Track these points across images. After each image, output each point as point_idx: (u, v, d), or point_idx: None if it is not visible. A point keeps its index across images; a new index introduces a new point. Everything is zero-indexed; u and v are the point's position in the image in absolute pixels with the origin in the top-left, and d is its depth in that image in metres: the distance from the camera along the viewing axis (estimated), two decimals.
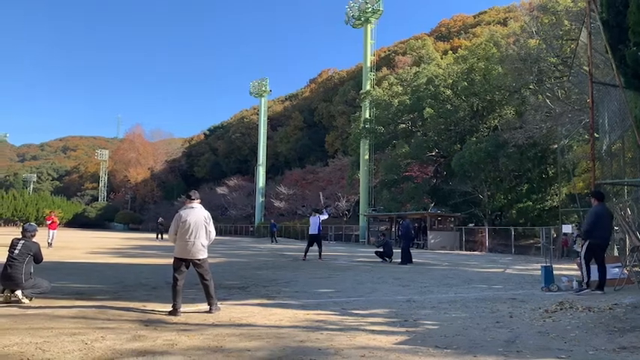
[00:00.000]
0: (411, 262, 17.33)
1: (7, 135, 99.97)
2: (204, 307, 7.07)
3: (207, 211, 7.35)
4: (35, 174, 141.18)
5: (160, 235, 36.53)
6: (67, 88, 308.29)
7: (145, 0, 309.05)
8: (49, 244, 21.79)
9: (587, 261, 9.08)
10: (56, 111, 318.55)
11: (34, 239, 7.95)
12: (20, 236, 7.90)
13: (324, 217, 19.47)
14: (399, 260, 17.44)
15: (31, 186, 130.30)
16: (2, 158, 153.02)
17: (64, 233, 46.66)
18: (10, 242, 7.83)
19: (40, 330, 5.59)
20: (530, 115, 27.14)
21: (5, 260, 7.60)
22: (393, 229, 37.25)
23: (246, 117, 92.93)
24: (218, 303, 7.15)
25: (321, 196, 24.49)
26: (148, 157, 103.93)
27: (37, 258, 7.81)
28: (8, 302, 7.34)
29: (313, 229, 18.57)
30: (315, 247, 18.78)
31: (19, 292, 7.37)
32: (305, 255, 18.29)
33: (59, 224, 24.57)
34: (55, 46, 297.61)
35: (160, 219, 41.48)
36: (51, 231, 23.08)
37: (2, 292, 7.49)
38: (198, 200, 7.32)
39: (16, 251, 7.56)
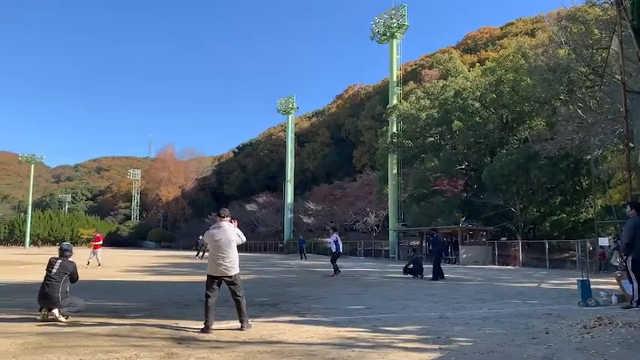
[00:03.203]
0: (442, 277, 17.10)
1: (44, 157, 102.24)
2: (236, 324, 7.10)
3: (237, 229, 7.45)
4: (70, 194, 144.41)
5: (201, 253, 35.59)
6: (100, 110, 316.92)
7: (172, 22, 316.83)
8: (99, 264, 22.46)
9: (638, 276, 8.72)
10: (90, 132, 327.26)
11: (70, 259, 8.14)
12: (57, 256, 8.11)
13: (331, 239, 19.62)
14: (431, 276, 17.22)
15: (66, 206, 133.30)
16: (39, 179, 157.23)
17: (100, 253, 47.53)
18: (47, 261, 8.03)
19: (77, 348, 5.70)
20: (562, 126, 26.65)
21: (43, 279, 7.80)
22: (424, 244, 36.83)
23: (274, 134, 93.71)
24: (249, 320, 7.17)
25: (330, 230, 23.53)
26: (179, 175, 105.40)
27: (73, 277, 7.99)
28: (46, 320, 7.51)
29: (339, 247, 19.24)
30: (339, 263, 19.44)
31: (55, 311, 7.53)
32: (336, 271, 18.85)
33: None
34: (87, 68, 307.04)
35: (201, 237, 41.17)
36: (97, 250, 23.66)
37: (40, 311, 7.67)
38: (229, 218, 7.42)
39: (54, 270, 7.76)
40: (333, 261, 19.04)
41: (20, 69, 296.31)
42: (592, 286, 10.07)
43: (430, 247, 18.33)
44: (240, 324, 7.02)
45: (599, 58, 22.66)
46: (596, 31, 23.75)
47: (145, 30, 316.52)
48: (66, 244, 8.48)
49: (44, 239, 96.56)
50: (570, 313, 8.63)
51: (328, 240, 19.89)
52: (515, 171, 30.53)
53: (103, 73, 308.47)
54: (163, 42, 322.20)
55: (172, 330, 6.97)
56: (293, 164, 67.58)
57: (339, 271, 18.77)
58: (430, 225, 35.30)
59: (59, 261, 7.92)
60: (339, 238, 19.27)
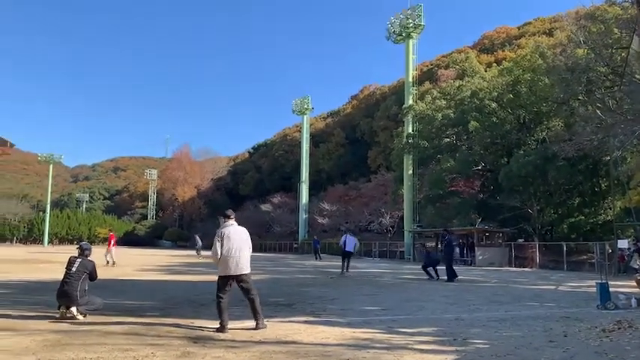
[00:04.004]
0: (456, 276, 16.96)
1: (62, 157, 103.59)
2: (251, 323, 7.12)
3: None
4: (88, 194, 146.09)
5: (202, 252, 36.76)
6: (116, 110, 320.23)
7: (190, 26, 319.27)
8: (114, 263, 22.73)
9: None
10: (107, 133, 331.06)
11: (89, 258, 8.26)
12: (76, 255, 8.22)
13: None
14: (446, 278, 17.10)
15: (84, 205, 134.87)
16: (57, 179, 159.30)
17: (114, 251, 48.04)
18: (67, 260, 8.15)
19: (94, 346, 5.76)
20: (580, 126, 26.28)
21: (62, 277, 7.91)
22: (439, 246, 36.56)
23: (289, 135, 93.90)
24: (264, 320, 7.19)
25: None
26: (194, 175, 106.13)
27: (92, 276, 8.10)
28: (64, 318, 7.61)
29: (349, 247, 20.43)
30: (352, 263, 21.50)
31: (73, 309, 7.63)
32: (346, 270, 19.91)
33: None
34: (103, 70, 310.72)
35: (196, 236, 42.13)
36: (111, 249, 23.92)
37: (58, 309, 7.77)
38: (234, 217, 7.50)
39: (74, 269, 7.88)
40: (342, 260, 20.22)
41: (38, 71, 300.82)
42: (611, 289, 9.93)
43: (442, 248, 18.02)
44: (255, 323, 7.05)
45: (619, 57, 22.35)
46: (615, 30, 23.40)
47: (160, 31, 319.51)
48: (85, 243, 8.61)
49: (62, 238, 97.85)
50: (589, 316, 8.52)
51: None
52: (532, 172, 30.20)
53: (119, 74, 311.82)
54: (177, 42, 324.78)
55: (188, 329, 7.02)
56: (308, 165, 67.65)
57: (343, 272, 19.55)
58: (446, 226, 35.12)
59: (79, 260, 8.05)
60: (347, 239, 20.21)
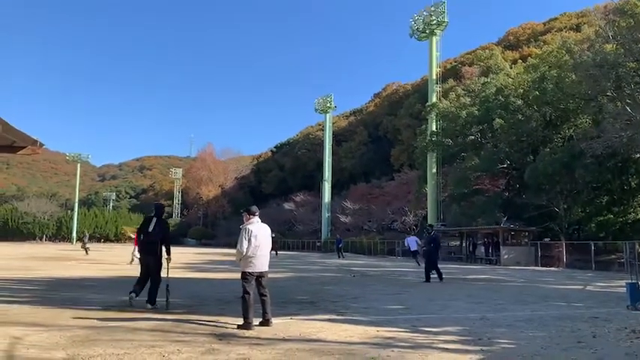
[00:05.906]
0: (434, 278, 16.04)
1: (90, 156, 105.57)
2: (275, 320, 7.22)
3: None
4: (114, 192, 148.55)
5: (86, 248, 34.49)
6: (142, 110, 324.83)
7: (217, 30, 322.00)
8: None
9: None
10: (133, 132, 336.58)
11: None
12: (152, 214, 8.93)
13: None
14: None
15: (111, 204, 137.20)
16: (85, 178, 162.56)
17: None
18: (143, 220, 9.00)
19: (121, 342, 5.86)
20: (609, 123, 25.70)
21: (143, 237, 8.74)
22: (464, 245, 36.28)
23: (312, 133, 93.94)
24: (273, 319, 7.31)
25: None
26: (218, 174, 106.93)
27: (166, 236, 8.84)
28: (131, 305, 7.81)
29: (413, 246, 24.95)
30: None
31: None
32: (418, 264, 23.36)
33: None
34: (130, 71, 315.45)
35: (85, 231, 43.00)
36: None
37: (130, 296, 8.44)
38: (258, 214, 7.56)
39: (151, 229, 8.61)
40: (414, 258, 24.76)
41: (66, 73, 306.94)
42: None
43: (433, 246, 16.76)
44: (269, 319, 7.16)
45: None
46: None
47: (186, 34, 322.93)
48: (158, 203, 9.41)
49: (90, 236, 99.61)
50: (618, 316, 8.35)
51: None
52: (559, 170, 29.65)
53: (145, 75, 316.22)
54: (203, 45, 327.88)
55: (213, 326, 7.09)
56: (330, 163, 67.62)
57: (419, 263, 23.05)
58: (471, 225, 34.77)
59: (155, 219, 8.73)
60: (409, 241, 25.12)
